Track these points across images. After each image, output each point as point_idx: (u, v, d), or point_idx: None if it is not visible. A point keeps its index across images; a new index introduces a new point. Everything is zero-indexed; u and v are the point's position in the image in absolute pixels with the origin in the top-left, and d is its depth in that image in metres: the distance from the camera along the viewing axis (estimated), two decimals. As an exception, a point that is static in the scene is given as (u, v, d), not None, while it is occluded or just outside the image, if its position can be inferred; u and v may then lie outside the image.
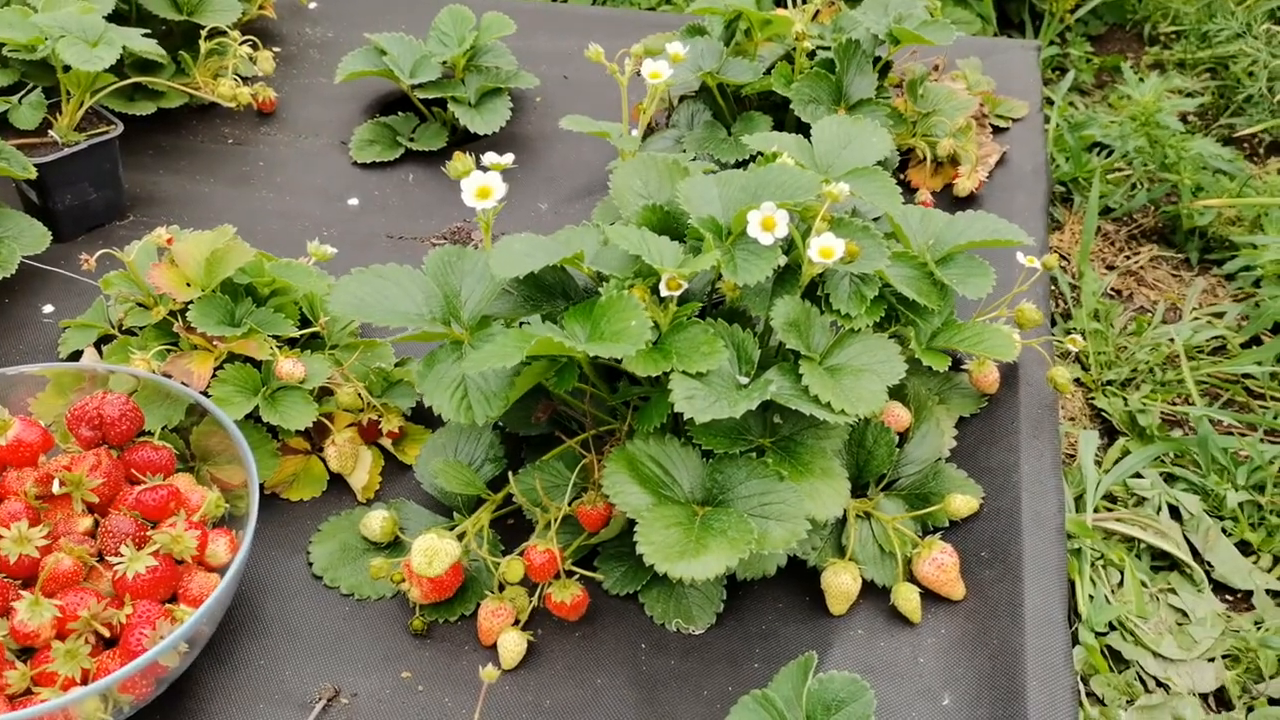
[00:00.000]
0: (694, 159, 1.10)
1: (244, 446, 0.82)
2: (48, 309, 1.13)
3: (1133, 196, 1.61)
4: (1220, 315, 1.42)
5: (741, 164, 1.20)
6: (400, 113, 1.44)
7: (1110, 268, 1.56)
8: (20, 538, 0.75)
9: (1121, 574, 1.10)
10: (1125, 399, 1.30)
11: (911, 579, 0.84)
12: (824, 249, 0.80)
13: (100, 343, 1.05)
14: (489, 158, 0.91)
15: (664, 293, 0.80)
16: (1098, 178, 1.54)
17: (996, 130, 1.36)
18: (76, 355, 1.05)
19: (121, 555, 0.75)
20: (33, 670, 0.71)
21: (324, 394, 0.96)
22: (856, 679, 0.72)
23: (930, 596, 0.84)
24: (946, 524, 0.89)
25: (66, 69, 1.16)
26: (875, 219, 0.96)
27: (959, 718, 0.76)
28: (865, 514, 0.86)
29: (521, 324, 0.87)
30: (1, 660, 0.70)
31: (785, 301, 0.82)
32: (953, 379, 0.99)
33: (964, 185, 1.23)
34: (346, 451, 0.94)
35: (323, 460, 0.95)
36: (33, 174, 1.12)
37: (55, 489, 0.79)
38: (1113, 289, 1.52)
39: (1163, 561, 1.12)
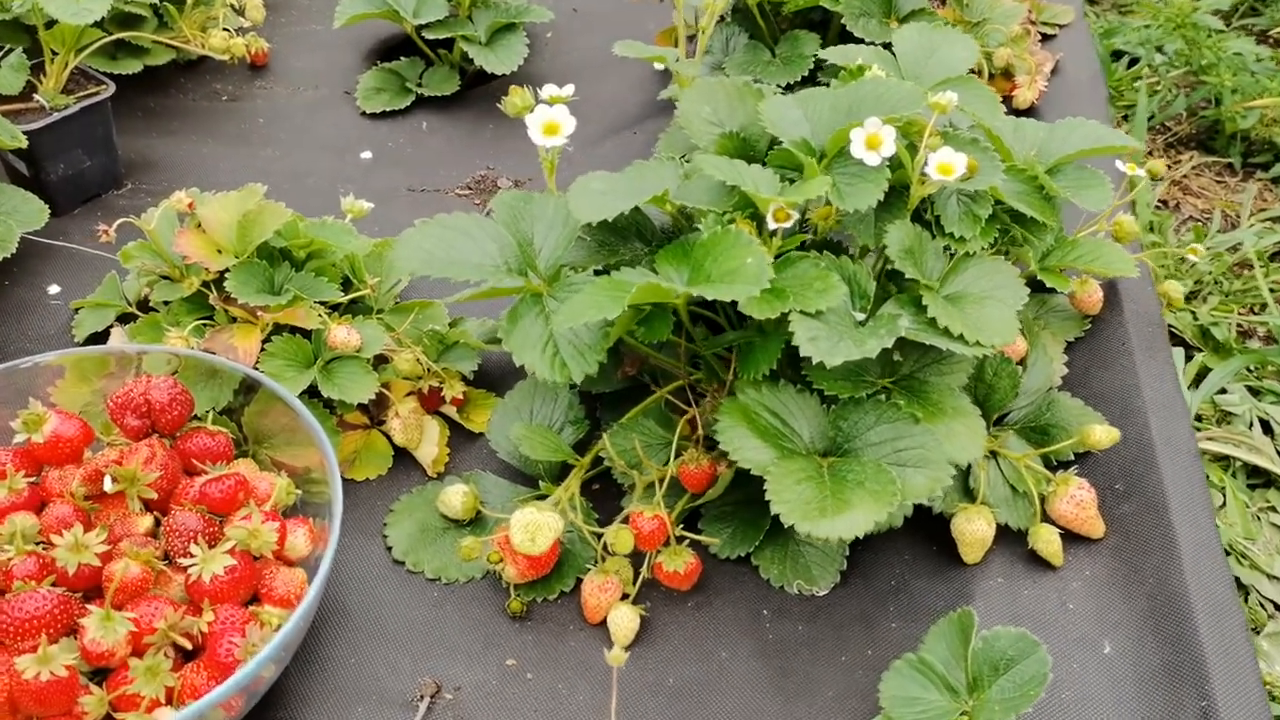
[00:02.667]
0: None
1: (314, 424, 0.74)
2: (54, 289, 1.03)
3: (1169, 104, 1.54)
4: (1277, 220, 1.37)
5: (791, 87, 1.11)
6: (404, 57, 1.34)
7: (1155, 179, 1.50)
8: (77, 545, 0.66)
9: (1223, 495, 1.05)
10: (1194, 313, 1.25)
11: (1047, 519, 0.78)
12: (943, 165, 0.73)
13: (119, 322, 0.95)
14: (548, 90, 0.82)
15: (771, 225, 0.72)
16: (1142, 86, 1.47)
17: (1045, 38, 1.29)
18: (94, 338, 0.95)
19: (193, 556, 0.67)
20: (111, 694, 0.63)
21: (379, 363, 0.87)
22: (1026, 634, 0.66)
23: (1068, 537, 0.78)
24: (1071, 458, 0.83)
25: (49, 25, 1.05)
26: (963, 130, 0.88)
27: (1125, 667, 0.71)
28: (992, 454, 0.80)
29: (600, 271, 0.79)
30: (75, 685, 0.62)
31: (898, 227, 0.75)
32: (1049, 301, 0.93)
33: (1024, 96, 1.16)
34: (411, 423, 0.86)
35: (385, 434, 0.87)
36: (23, 143, 1.02)
37: (107, 487, 0.71)
38: (1159, 200, 1.46)
39: (1259, 479, 1.07)
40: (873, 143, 0.74)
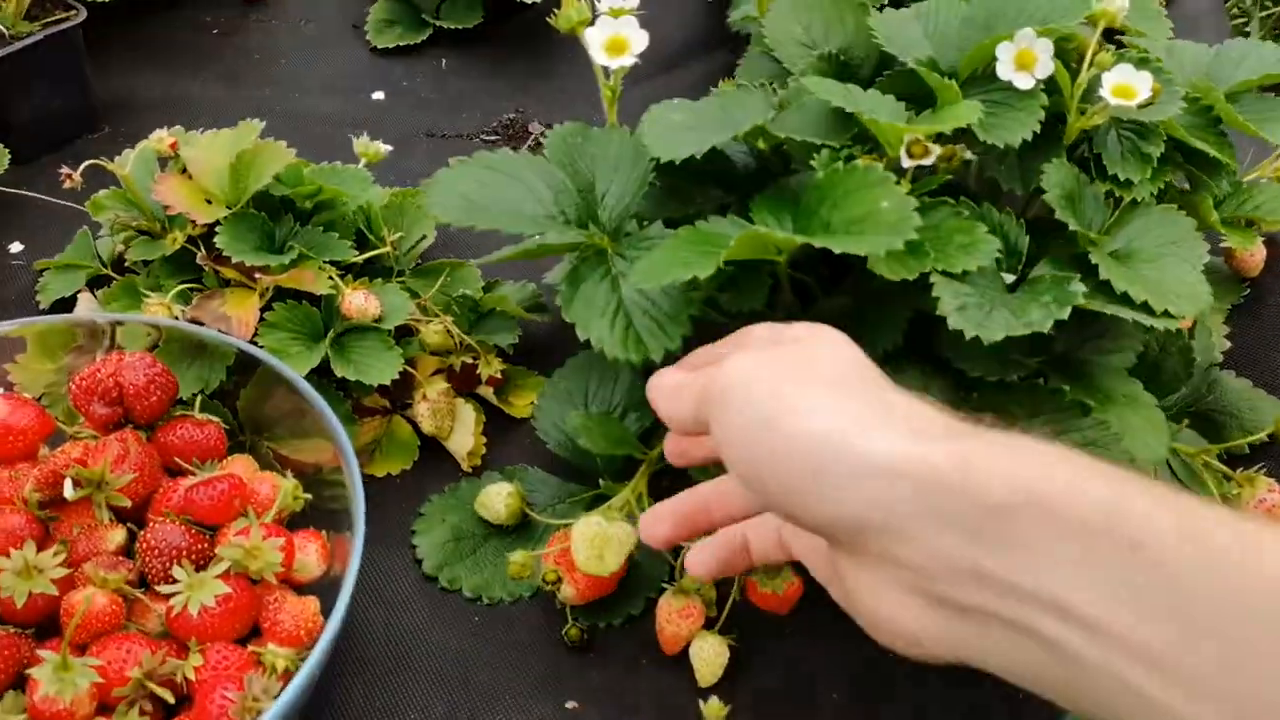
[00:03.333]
0: None
1: (327, 412, 0.59)
2: (15, 247, 0.88)
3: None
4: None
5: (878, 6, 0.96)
6: (420, -15, 1.18)
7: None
8: (26, 569, 0.52)
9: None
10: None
11: (1224, 528, 0.64)
12: (1121, 87, 0.58)
13: (92, 286, 0.80)
14: (609, 1, 0.67)
15: (905, 162, 0.57)
16: (1257, 11, 1.31)
17: (1155, -38, 1.13)
18: (61, 304, 0.81)
19: (176, 581, 0.53)
20: (71, 765, 0.49)
21: (402, 335, 0.72)
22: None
23: (1249, 549, 0.64)
24: (1246, 450, 0.68)
25: (5, -65, 0.90)
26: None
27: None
28: (1160, 448, 0.65)
29: (671, 224, 0.64)
30: (23, 756, 0.48)
31: (1058, 167, 0.60)
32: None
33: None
34: (441, 408, 0.71)
35: (409, 421, 0.73)
36: (-23, 74, 0.87)
37: (68, 493, 0.56)
38: None
39: None
40: (1024, 60, 0.59)
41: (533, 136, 1.06)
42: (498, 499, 0.66)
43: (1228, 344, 0.74)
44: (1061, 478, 0.36)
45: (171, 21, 1.16)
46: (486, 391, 0.75)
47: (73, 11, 0.96)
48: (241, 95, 1.08)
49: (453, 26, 1.14)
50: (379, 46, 1.13)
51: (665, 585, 0.63)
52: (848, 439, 0.39)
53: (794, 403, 0.41)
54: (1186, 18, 1.08)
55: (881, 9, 0.88)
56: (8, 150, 0.89)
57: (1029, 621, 0.36)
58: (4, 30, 0.93)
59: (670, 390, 0.48)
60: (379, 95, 1.09)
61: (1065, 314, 0.53)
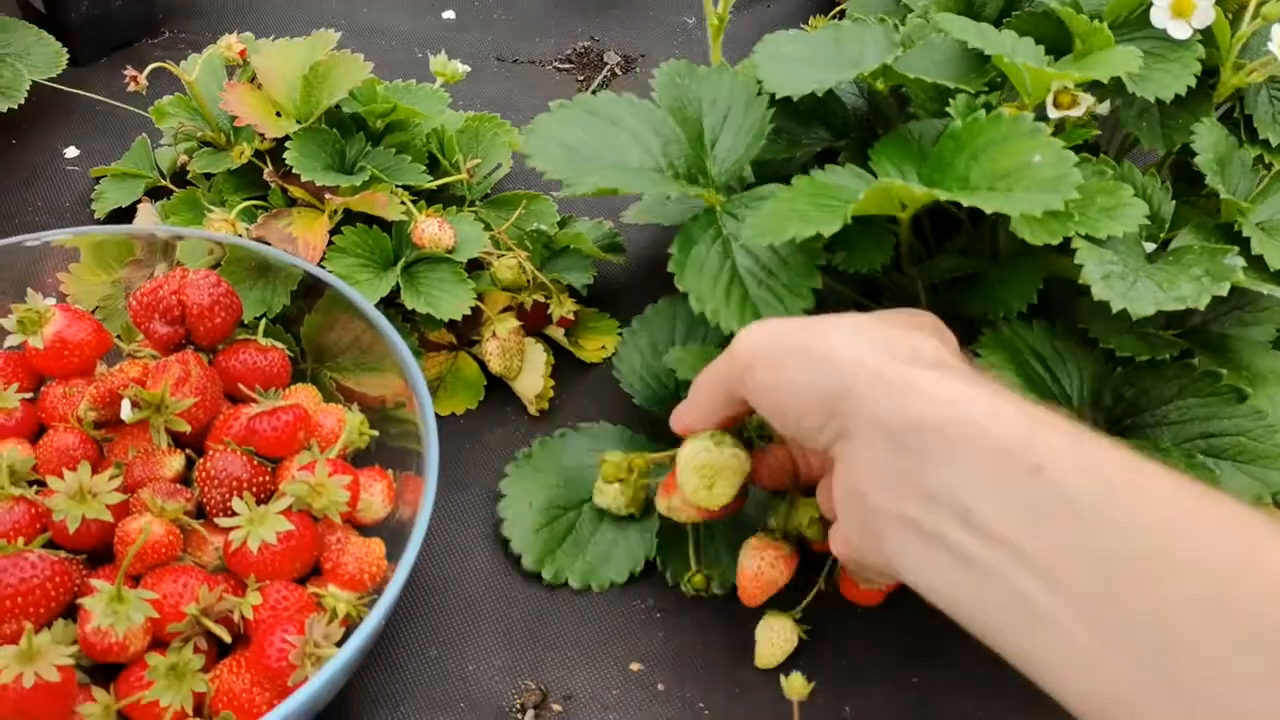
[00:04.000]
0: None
1: (401, 347, 0.56)
2: (70, 152, 0.85)
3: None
4: None
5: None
6: (495, -103, 1.12)
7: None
8: (80, 492, 0.49)
9: None
10: None
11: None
12: (1295, 40, 0.52)
13: (151, 196, 0.77)
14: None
15: (1052, 114, 0.52)
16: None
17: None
18: (118, 215, 0.77)
19: (236, 514, 0.50)
20: (120, 701, 0.46)
21: (473, 268, 0.68)
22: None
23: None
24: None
25: None
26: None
27: None
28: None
29: (778, 176, 0.60)
30: (71, 691, 0.45)
31: (1209, 128, 0.55)
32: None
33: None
34: (511, 347, 0.67)
35: (475, 358, 0.69)
36: (37, -33, 0.82)
37: (125, 414, 0.53)
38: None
39: None
40: (1182, 8, 0.54)
41: (608, 67, 1.00)
42: (615, 495, 0.61)
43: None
44: (985, 402, 0.40)
45: (237, -76, 1.11)
46: (556, 333, 0.71)
47: (137, -94, 0.91)
48: (308, 5, 1.03)
49: (529, -56, 1.08)
50: (451, -38, 1.08)
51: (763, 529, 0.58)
52: (833, 348, 0.44)
53: (804, 336, 0.46)
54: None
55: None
56: (66, 50, 0.85)
57: (941, 529, 0.39)
58: (66, -78, 0.88)
59: (697, 387, 0.52)
60: (449, 13, 1.04)
61: (1224, 290, 0.48)
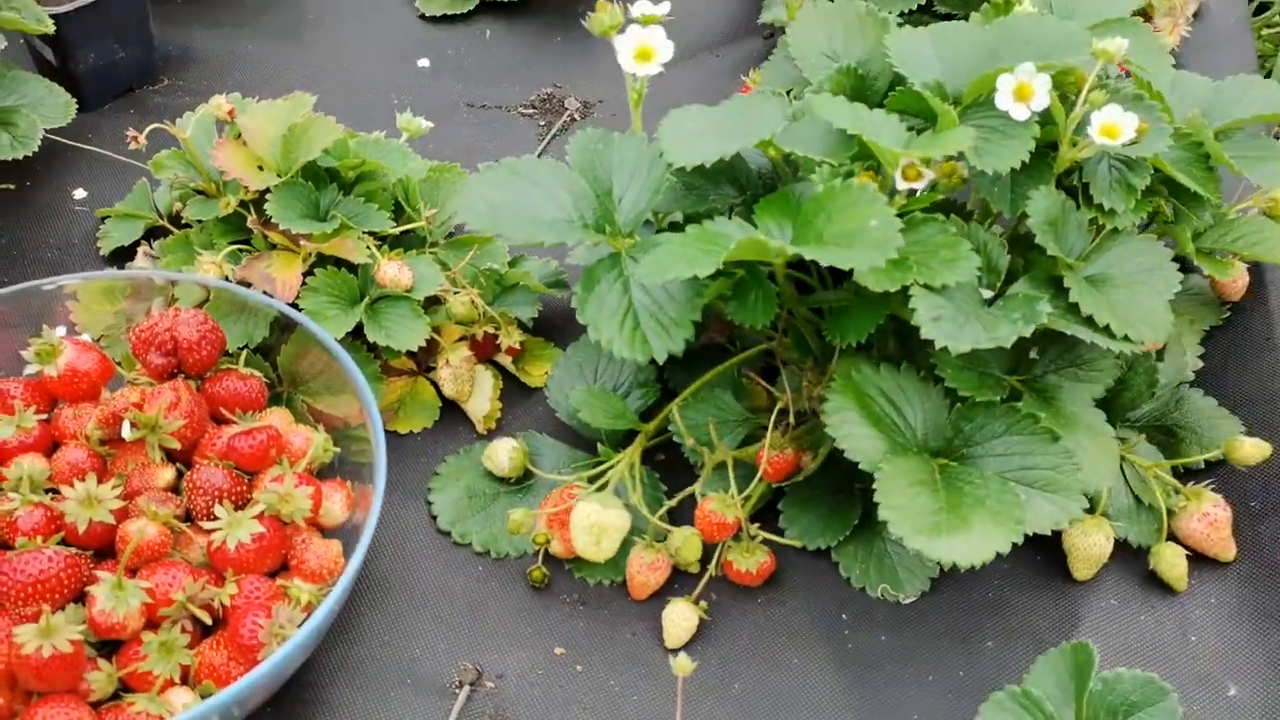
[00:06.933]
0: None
1: (357, 375, 0.66)
2: (79, 194, 0.95)
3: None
4: None
5: (909, 14, 0.99)
6: (469, -46, 1.22)
7: None
8: (89, 499, 0.59)
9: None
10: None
11: (1171, 537, 0.69)
12: (1108, 126, 0.62)
13: (148, 236, 0.87)
14: (640, 7, 0.71)
15: (900, 185, 0.62)
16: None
17: (1187, -25, 1.15)
18: (121, 251, 0.87)
19: (216, 519, 0.60)
20: (121, 670, 0.56)
21: (430, 304, 0.78)
22: (1154, 680, 0.57)
23: (1193, 558, 0.69)
24: (1202, 466, 0.73)
25: (81, -105, 0.95)
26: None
27: (1253, 714, 0.62)
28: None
29: (686, 220, 0.70)
30: (80, 660, 0.55)
31: (1044, 194, 0.64)
32: (1185, 283, 0.82)
33: (1164, 42, 1.03)
34: (462, 373, 0.77)
35: (432, 383, 0.79)
36: (50, 28, 0.92)
37: (126, 433, 0.63)
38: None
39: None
40: (1022, 93, 0.63)
41: (569, 112, 1.10)
42: (503, 453, 0.73)
43: (1200, 363, 0.78)
44: None
45: (231, -22, 1.21)
46: (505, 360, 0.81)
47: (140, -32, 1.01)
48: (295, 54, 1.13)
49: (498, -2, 1.18)
50: (427, 13, 1.18)
51: (636, 540, 0.69)
52: None
53: None
54: (1213, 32, 1.10)
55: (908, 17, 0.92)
56: (74, 100, 0.94)
57: None
58: (76, -16, 0.98)
59: None
60: (424, 62, 1.14)
61: (1029, 331, 0.58)
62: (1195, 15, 1.10)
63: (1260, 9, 1.47)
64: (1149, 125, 0.64)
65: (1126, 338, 0.61)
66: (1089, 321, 0.61)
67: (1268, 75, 1.34)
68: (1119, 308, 0.62)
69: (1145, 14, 1.05)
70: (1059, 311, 0.62)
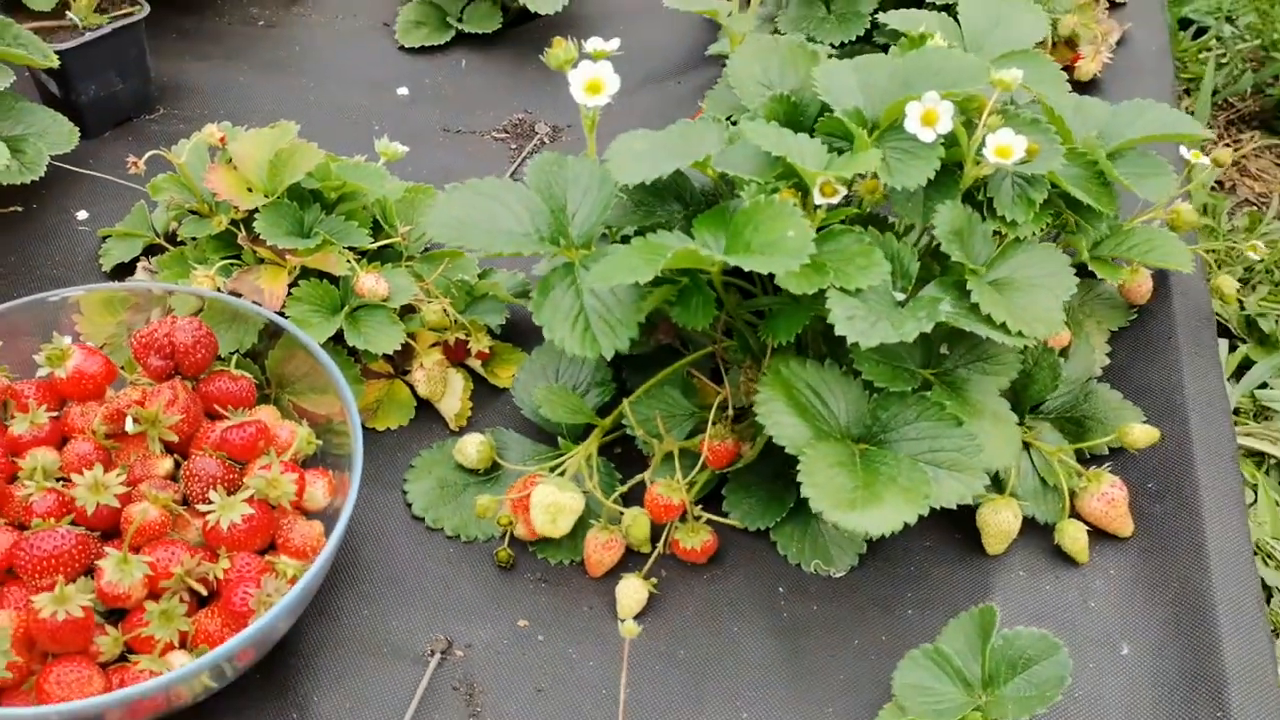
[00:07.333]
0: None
1: (337, 375, 0.73)
2: (81, 215, 1.02)
3: (1236, 79, 1.49)
4: (1337, 209, 1.32)
5: (845, 45, 1.08)
6: (445, -11, 1.30)
7: (1220, 167, 1.45)
8: (97, 485, 0.66)
9: (1255, 492, 1.03)
10: (1242, 302, 1.21)
11: (1074, 515, 0.77)
12: (1002, 147, 0.70)
13: (146, 253, 0.94)
14: (593, 44, 0.79)
15: (818, 200, 0.69)
16: (1210, 59, 1.42)
17: (1113, 5, 1.24)
18: (121, 268, 0.95)
19: (211, 502, 0.67)
20: (126, 635, 0.63)
21: (406, 312, 0.86)
22: (1048, 636, 0.65)
23: (1095, 534, 0.76)
24: (1105, 451, 0.81)
25: (83, -60, 1.03)
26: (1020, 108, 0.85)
27: (1142, 670, 0.70)
28: (1024, 444, 0.78)
29: (637, 233, 0.77)
30: (90, 625, 0.62)
31: (949, 207, 0.72)
32: (1095, 288, 0.90)
33: (1086, 68, 1.12)
34: (435, 375, 0.85)
35: (408, 385, 0.86)
36: (55, 63, 1.00)
37: (129, 428, 0.70)
38: (1214, 181, 1.41)
39: (1294, 479, 1.05)
40: (929, 118, 0.71)
41: (538, 136, 1.18)
42: (471, 447, 0.80)
43: (1108, 360, 0.86)
44: None
45: (221, 12, 1.29)
46: (475, 363, 0.88)
47: (137, 6, 1.09)
48: (282, 84, 1.21)
49: (474, 30, 1.26)
50: (406, 45, 1.26)
51: (593, 522, 0.76)
52: None
53: None
54: (1135, 58, 1.19)
55: (845, 47, 1.00)
56: (77, 128, 1.02)
57: None
58: (78, 22, 1.06)
59: None
60: (403, 91, 1.21)
61: (929, 327, 0.65)
62: (1118, 43, 1.18)
63: (1199, 33, 1.56)
64: (1039, 146, 0.71)
65: (1021, 333, 0.68)
66: (988, 320, 0.69)
67: (1191, 94, 1.43)
68: (1016, 308, 0.70)
69: (1071, 41, 1.14)
70: (962, 311, 0.69)
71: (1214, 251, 1.27)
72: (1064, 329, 0.72)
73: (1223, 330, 1.18)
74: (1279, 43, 1.43)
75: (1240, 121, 1.50)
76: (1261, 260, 1.25)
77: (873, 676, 0.71)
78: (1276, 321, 1.17)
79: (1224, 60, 1.53)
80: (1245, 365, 1.15)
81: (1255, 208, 1.36)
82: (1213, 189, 1.38)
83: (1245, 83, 1.47)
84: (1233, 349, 1.15)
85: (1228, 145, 1.47)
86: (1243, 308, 1.20)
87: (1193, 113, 1.41)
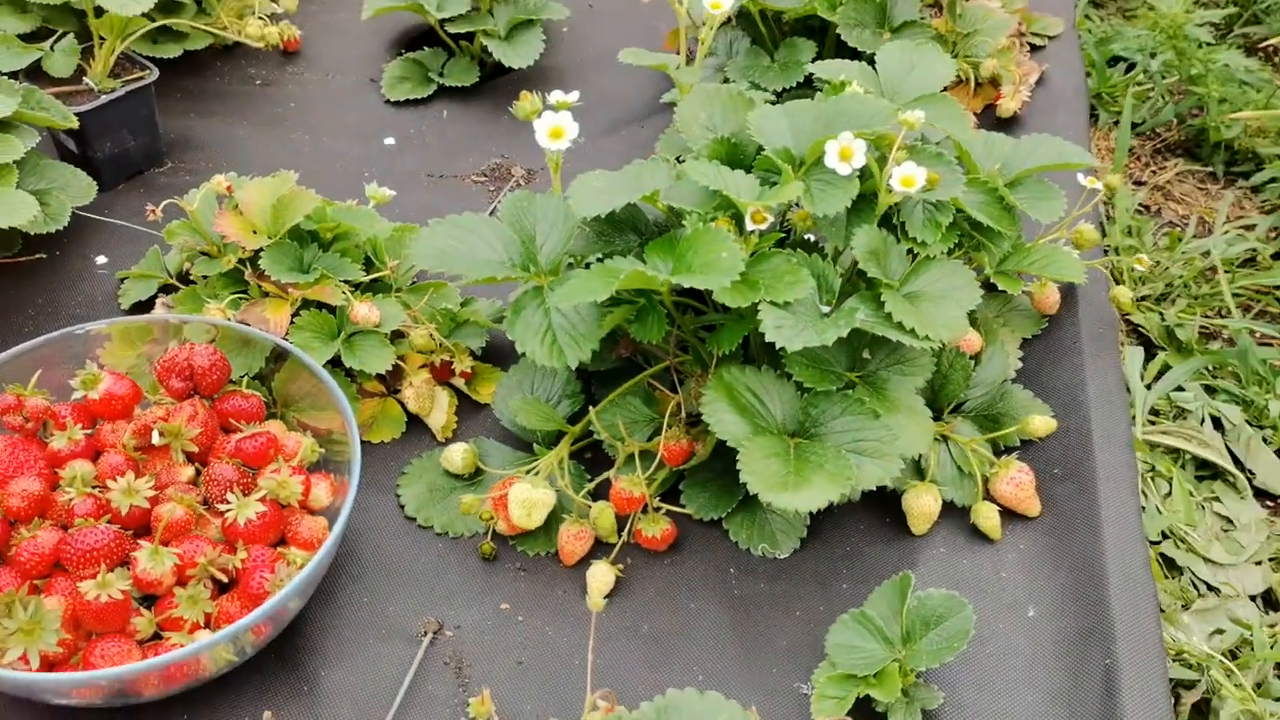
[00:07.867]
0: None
1: (338, 392, 0.83)
2: (101, 260, 1.13)
3: (1159, 111, 1.61)
4: (1250, 228, 1.44)
5: (787, 91, 1.19)
6: (427, 48, 1.42)
7: (1138, 183, 1.57)
8: (129, 489, 0.76)
9: (1170, 484, 1.13)
10: (1162, 314, 1.32)
11: (989, 498, 0.87)
12: (906, 178, 0.81)
13: (161, 292, 1.05)
14: (555, 96, 0.90)
15: (750, 226, 0.80)
16: (1129, 93, 1.54)
17: (1034, 48, 1.36)
18: (139, 306, 1.05)
19: (229, 502, 0.77)
20: (158, 616, 0.73)
21: (396, 337, 0.96)
22: (955, 595, 0.75)
23: (1008, 514, 0.87)
24: (1018, 443, 0.91)
25: (99, 13, 1.14)
26: (935, 144, 0.97)
27: (1045, 629, 0.80)
28: (942, 437, 0.88)
29: (599, 259, 0.88)
30: (128, 607, 0.72)
31: (865, 231, 0.83)
32: (1012, 300, 1.01)
33: (1007, 106, 1.24)
34: (424, 392, 0.95)
35: (399, 402, 0.97)
36: (74, 124, 1.11)
37: (155, 440, 0.80)
38: (1141, 204, 1.53)
39: (1206, 471, 1.16)
40: (845, 154, 0.82)
41: (514, 179, 1.30)
42: (456, 454, 0.90)
43: (1020, 364, 0.97)
44: None
45: (224, 74, 1.40)
46: (459, 382, 0.99)
47: (147, 71, 1.21)
48: (280, 137, 1.32)
49: (454, 84, 1.38)
50: (392, 99, 1.37)
51: (565, 516, 0.86)
52: None
53: None
54: (1053, 97, 1.31)
55: (787, 93, 1.12)
56: (95, 182, 1.13)
57: None
58: (94, 86, 1.17)
59: None
60: (390, 140, 1.33)
61: (845, 332, 0.76)
62: (1038, 83, 1.31)
63: (1130, 68, 1.69)
64: (940, 176, 0.83)
65: (928, 337, 0.79)
66: (899, 326, 0.79)
67: (1118, 125, 1.55)
68: (925, 316, 0.81)
69: (995, 81, 1.26)
70: (878, 319, 0.80)
71: (1121, 269, 1.38)
72: (969, 333, 0.83)
73: (1144, 339, 1.30)
74: (1196, 78, 1.56)
75: (1166, 150, 1.62)
76: (1181, 275, 1.36)
77: (810, 642, 0.81)
78: (1192, 331, 1.28)
79: (1151, 93, 1.66)
80: (1165, 371, 1.26)
81: (1177, 228, 1.48)
82: (1138, 212, 1.50)
83: (1167, 114, 1.60)
84: (1152, 357, 1.26)
85: (1154, 171, 1.59)
86: (1163, 319, 1.31)
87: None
